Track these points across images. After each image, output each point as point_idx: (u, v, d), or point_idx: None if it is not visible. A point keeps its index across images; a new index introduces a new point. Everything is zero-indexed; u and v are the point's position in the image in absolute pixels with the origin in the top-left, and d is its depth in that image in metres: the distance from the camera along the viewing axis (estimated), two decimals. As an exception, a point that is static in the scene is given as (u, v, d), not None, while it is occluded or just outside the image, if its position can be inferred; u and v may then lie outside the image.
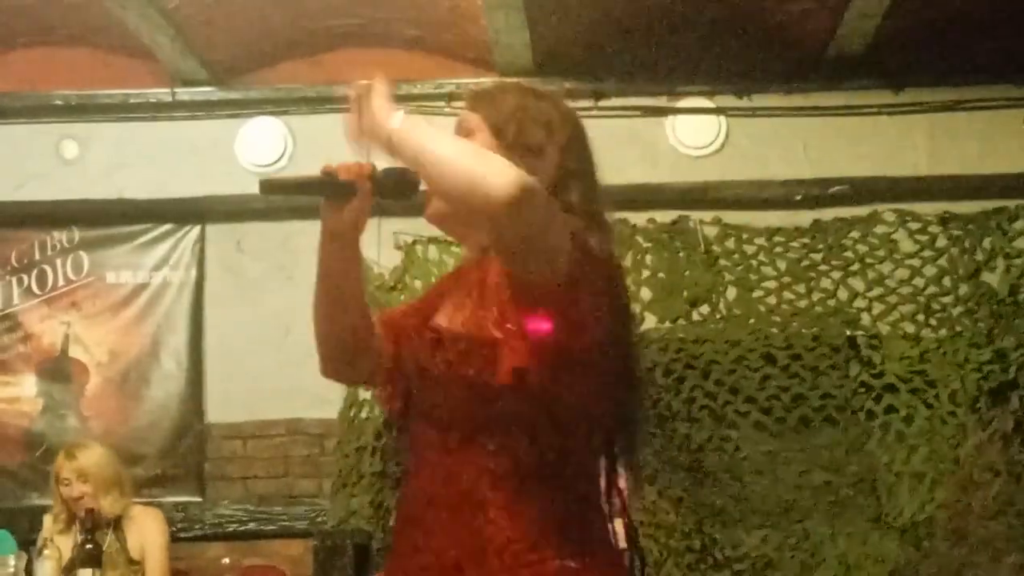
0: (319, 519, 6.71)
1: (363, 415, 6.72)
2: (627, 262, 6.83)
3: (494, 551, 2.31)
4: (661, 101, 6.82)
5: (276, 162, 6.75)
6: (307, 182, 2.48)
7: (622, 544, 2.51)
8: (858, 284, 6.77)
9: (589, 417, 2.39)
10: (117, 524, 5.63)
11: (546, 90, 2.67)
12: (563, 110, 2.58)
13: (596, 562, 2.37)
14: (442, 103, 6.72)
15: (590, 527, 2.40)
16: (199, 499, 6.92)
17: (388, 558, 2.52)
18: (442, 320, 2.48)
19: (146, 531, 5.67)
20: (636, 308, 2.21)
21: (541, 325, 2.29)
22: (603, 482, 2.48)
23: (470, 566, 2.32)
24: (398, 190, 2.44)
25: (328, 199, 2.45)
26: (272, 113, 6.86)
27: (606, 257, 2.41)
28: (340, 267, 2.51)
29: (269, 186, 2.48)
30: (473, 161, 2.21)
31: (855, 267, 6.78)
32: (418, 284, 6.62)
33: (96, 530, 5.38)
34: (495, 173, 2.16)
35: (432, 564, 2.37)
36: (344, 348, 2.57)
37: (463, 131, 2.52)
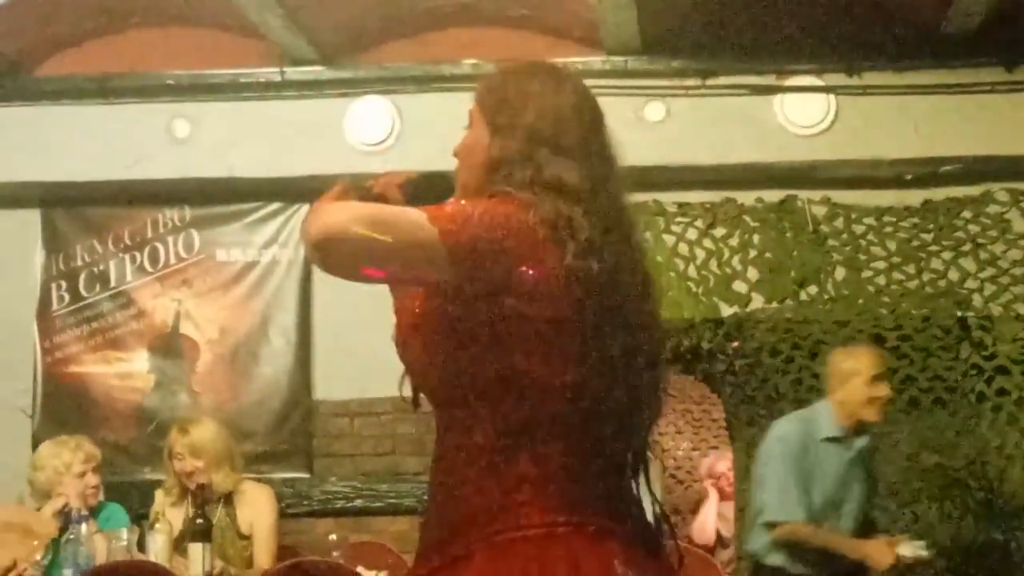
0: (425, 497, 6.73)
1: (470, 393, 6.73)
2: (734, 241, 6.80)
3: (468, 522, 2.34)
4: (770, 79, 6.77)
5: (383, 141, 6.79)
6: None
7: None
8: (969, 265, 6.69)
9: (556, 388, 2.35)
10: (228, 499, 5.67)
11: (544, 65, 2.68)
12: (549, 83, 2.57)
13: (583, 527, 2.33)
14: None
15: (585, 492, 2.36)
16: (307, 475, 6.99)
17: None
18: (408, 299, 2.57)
19: (256, 507, 5.71)
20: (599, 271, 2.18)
21: (423, 299, 2.45)
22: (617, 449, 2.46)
23: (453, 537, 2.36)
24: (430, 195, 2.52)
25: None
26: (380, 92, 6.90)
27: (550, 226, 2.36)
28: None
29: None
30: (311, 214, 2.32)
31: (966, 247, 6.70)
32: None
33: (207, 505, 5.44)
34: (310, 221, 2.28)
35: (431, 545, 2.43)
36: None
37: (468, 123, 2.58)
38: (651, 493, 2.52)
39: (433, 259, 2.27)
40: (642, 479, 2.50)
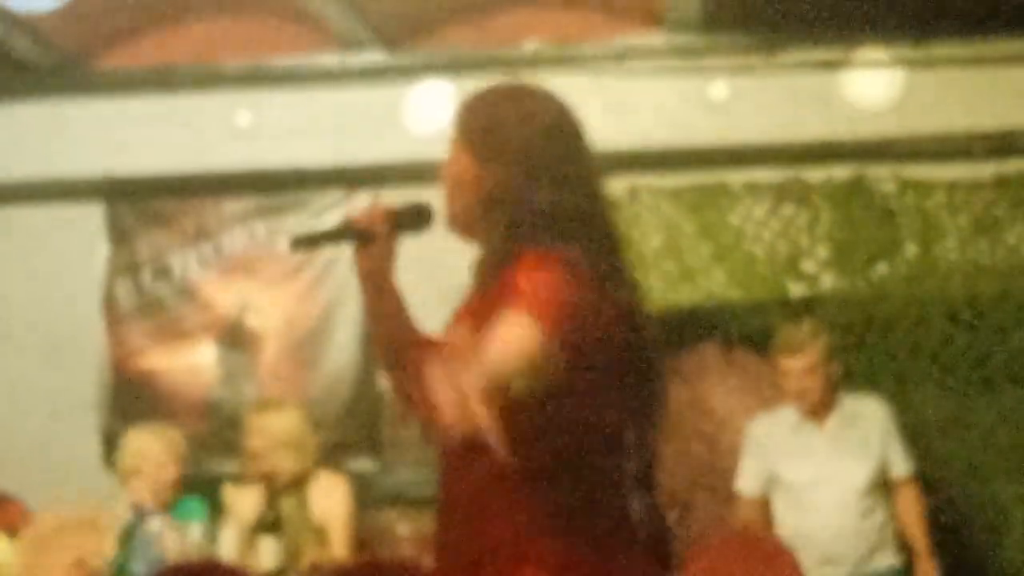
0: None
1: (536, 380, 6.70)
2: (802, 220, 6.73)
3: (497, 549, 2.33)
4: (837, 54, 6.68)
5: (446, 126, 6.75)
6: (330, 233, 2.70)
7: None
8: (1044, 239, 6.59)
9: (588, 421, 2.35)
10: (299, 489, 5.67)
11: (523, 88, 2.61)
12: (533, 108, 2.52)
13: (609, 549, 2.35)
14: (611, 63, 6.68)
15: (605, 516, 2.37)
16: (375, 466, 6.98)
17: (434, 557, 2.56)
18: (452, 330, 2.51)
19: (330, 497, 5.70)
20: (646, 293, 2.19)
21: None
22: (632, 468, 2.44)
23: (486, 561, 2.35)
24: (415, 224, 2.64)
25: (354, 245, 2.64)
26: (440, 76, 6.86)
27: (579, 270, 2.32)
28: (380, 307, 2.67)
29: (297, 242, 2.70)
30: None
31: (1041, 221, 6.60)
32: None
33: (277, 496, 5.43)
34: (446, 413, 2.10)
35: (459, 564, 2.41)
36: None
37: (450, 147, 2.57)
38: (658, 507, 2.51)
39: (548, 367, 2.18)
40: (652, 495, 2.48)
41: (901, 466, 5.58)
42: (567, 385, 2.24)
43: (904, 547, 5.57)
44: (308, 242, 2.73)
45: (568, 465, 2.34)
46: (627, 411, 2.40)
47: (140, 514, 5.08)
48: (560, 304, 2.22)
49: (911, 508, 5.57)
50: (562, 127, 2.50)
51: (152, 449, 5.60)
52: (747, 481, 5.76)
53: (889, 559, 5.51)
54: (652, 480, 2.48)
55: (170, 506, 5.45)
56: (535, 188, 2.41)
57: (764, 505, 5.69)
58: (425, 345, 2.62)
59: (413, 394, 2.62)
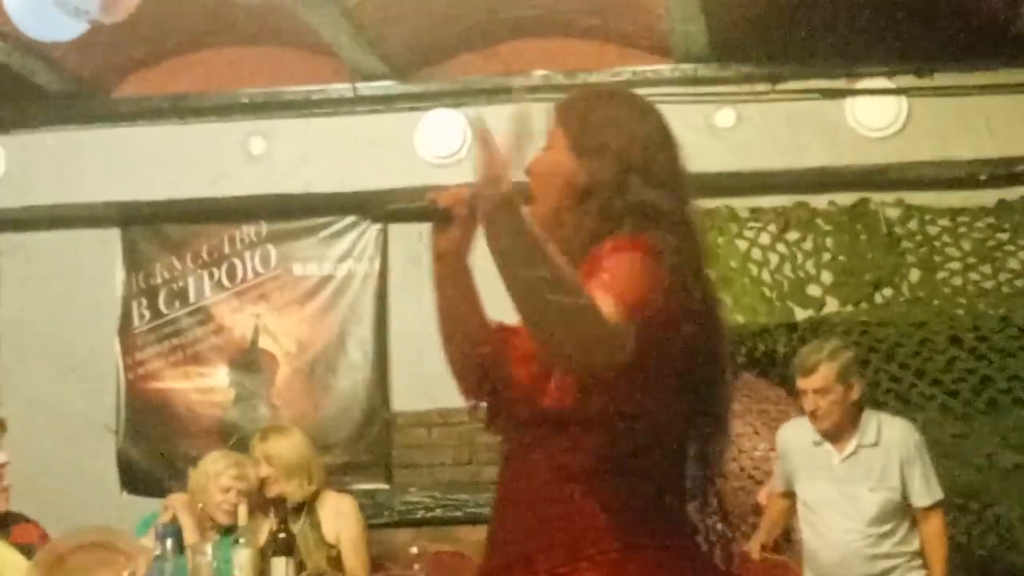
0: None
1: (546, 402, 6.76)
2: (807, 245, 6.79)
3: (553, 547, 2.37)
4: (840, 83, 6.75)
5: (455, 153, 6.83)
6: (422, 210, 2.58)
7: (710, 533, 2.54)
8: (1046, 264, 6.65)
9: (655, 415, 2.41)
10: (310, 509, 5.71)
11: (624, 92, 2.72)
12: (635, 110, 2.59)
13: (665, 551, 2.39)
14: (619, 91, 6.74)
15: (662, 519, 2.43)
16: (386, 486, 7.05)
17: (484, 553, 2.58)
18: (505, 329, 2.54)
19: (341, 517, 5.72)
20: (727, 301, 2.28)
21: None
22: (692, 473, 2.51)
23: (540, 558, 2.38)
24: None
25: (434, 224, 2.56)
26: (451, 105, 6.94)
27: (663, 259, 2.39)
28: (450, 289, 2.58)
29: (393, 214, 2.58)
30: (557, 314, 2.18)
31: (1043, 246, 6.66)
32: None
33: (288, 517, 5.45)
34: (567, 334, 2.19)
35: (511, 559, 2.44)
36: (470, 368, 2.63)
37: (547, 144, 2.57)
38: (722, 512, 2.56)
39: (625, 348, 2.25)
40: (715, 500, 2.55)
41: (923, 496, 5.35)
42: (637, 378, 2.32)
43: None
44: (403, 215, 2.69)
45: (630, 467, 2.39)
46: (692, 416, 2.46)
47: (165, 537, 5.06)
48: (640, 289, 2.29)
49: (931, 538, 5.37)
50: (657, 131, 2.57)
51: (218, 470, 5.62)
52: (775, 479, 5.75)
53: None
54: (714, 489, 2.54)
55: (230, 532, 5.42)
56: (628, 183, 2.46)
57: (790, 504, 5.63)
58: (496, 329, 2.60)
59: (477, 378, 2.61)
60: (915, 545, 5.38)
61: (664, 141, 2.56)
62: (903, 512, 5.35)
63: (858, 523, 5.30)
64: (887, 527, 5.34)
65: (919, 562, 5.37)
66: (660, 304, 2.31)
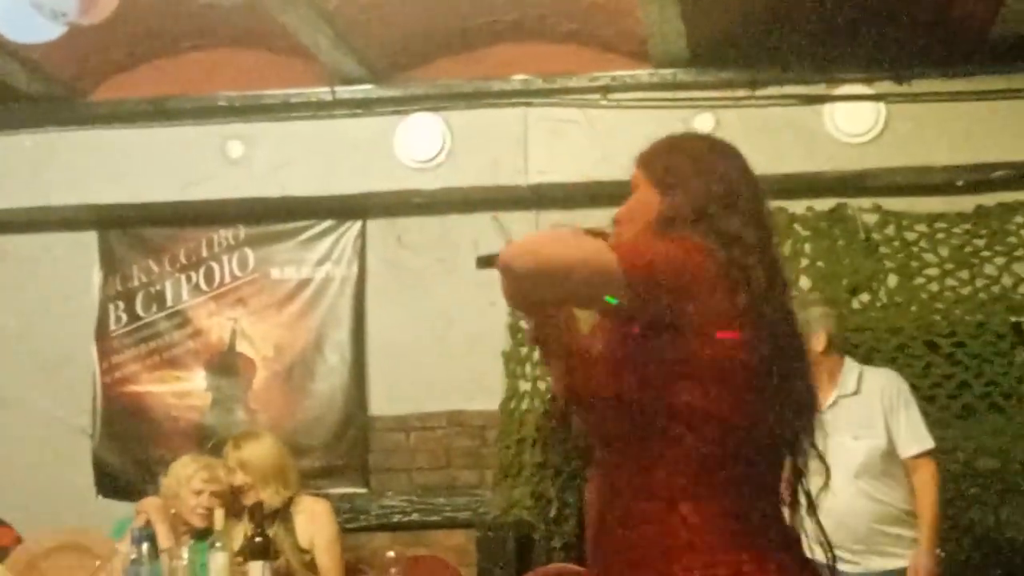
0: (481, 510, 6.78)
1: (524, 407, 6.78)
2: (785, 251, 6.79)
3: (661, 556, 2.41)
4: (819, 88, 6.76)
5: (435, 158, 6.82)
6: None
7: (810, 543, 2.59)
8: (1022, 270, 6.65)
9: (735, 425, 2.45)
10: (285, 514, 5.69)
11: (705, 135, 2.92)
12: (714, 151, 2.70)
13: (766, 563, 2.42)
14: (597, 96, 6.75)
15: (760, 527, 2.47)
16: (364, 490, 7.04)
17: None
18: (590, 340, 2.64)
19: (315, 520, 5.71)
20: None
21: (635, 340, 2.45)
22: (785, 482, 2.58)
23: (634, 570, 2.44)
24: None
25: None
26: (430, 109, 6.92)
27: (724, 272, 2.46)
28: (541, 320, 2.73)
29: (481, 262, 2.67)
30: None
31: (1019, 252, 6.67)
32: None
33: (263, 522, 5.43)
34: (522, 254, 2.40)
35: (601, 568, 2.52)
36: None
37: (632, 186, 2.74)
38: (818, 523, 2.65)
39: (610, 283, 2.34)
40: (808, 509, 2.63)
41: (910, 444, 5.34)
42: (709, 377, 2.40)
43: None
44: (487, 262, 2.72)
45: (724, 477, 2.44)
46: (776, 422, 2.50)
47: (139, 540, 5.03)
48: (648, 254, 2.41)
49: (920, 488, 5.33)
50: (737, 169, 2.66)
51: (188, 474, 5.60)
52: None
53: (900, 559, 5.34)
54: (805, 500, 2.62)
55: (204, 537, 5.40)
56: (710, 212, 2.56)
57: None
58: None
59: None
60: (909, 504, 5.35)
61: (745, 178, 2.64)
62: (895, 465, 5.35)
63: (846, 474, 5.19)
64: (876, 482, 5.32)
65: (912, 521, 5.35)
66: (679, 275, 2.40)
